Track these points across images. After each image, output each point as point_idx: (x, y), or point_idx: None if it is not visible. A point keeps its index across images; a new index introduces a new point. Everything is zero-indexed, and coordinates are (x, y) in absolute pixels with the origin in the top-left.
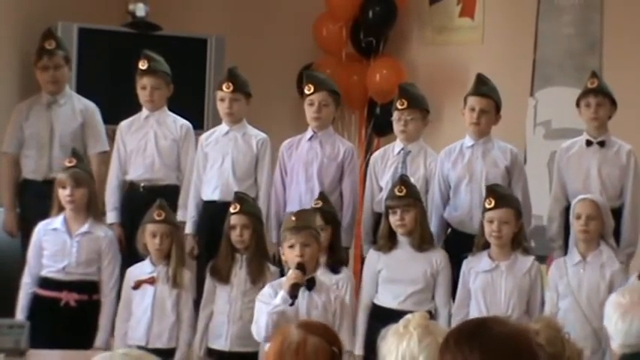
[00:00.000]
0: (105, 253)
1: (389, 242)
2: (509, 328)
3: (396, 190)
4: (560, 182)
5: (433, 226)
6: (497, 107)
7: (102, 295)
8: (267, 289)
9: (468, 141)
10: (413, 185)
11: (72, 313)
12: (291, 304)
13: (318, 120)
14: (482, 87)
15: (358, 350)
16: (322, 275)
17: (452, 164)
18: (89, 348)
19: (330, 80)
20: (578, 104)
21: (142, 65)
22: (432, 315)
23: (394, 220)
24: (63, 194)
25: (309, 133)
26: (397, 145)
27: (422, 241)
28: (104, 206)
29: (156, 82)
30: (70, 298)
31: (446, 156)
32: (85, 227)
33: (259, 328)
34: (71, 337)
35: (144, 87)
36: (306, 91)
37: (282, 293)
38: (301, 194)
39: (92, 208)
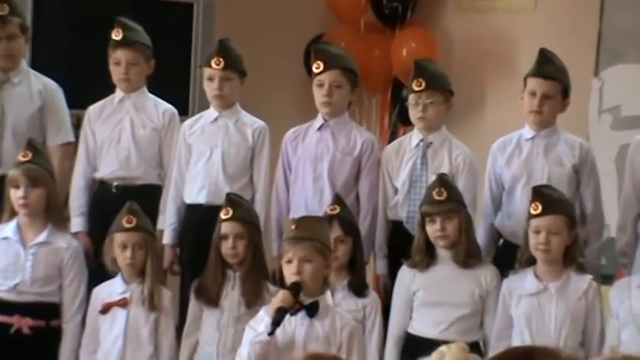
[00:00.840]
0: (67, 269)
1: (426, 257)
2: None
3: (434, 194)
4: (633, 182)
5: (481, 236)
6: (565, 91)
7: (63, 321)
8: (260, 313)
9: (528, 132)
10: (455, 187)
11: (25, 342)
12: (270, 334)
13: (328, 105)
14: (547, 66)
15: None
16: (345, 300)
17: (506, 160)
18: None
19: (345, 55)
20: None
21: (116, 35)
22: (481, 347)
23: (433, 230)
24: (15, 195)
25: (318, 121)
26: (415, 135)
27: (467, 255)
28: (68, 210)
29: (133, 57)
30: (22, 323)
31: (499, 150)
32: (42, 236)
33: None
34: None
35: (118, 62)
36: (315, 70)
37: (267, 319)
38: (308, 196)
39: (52, 213)
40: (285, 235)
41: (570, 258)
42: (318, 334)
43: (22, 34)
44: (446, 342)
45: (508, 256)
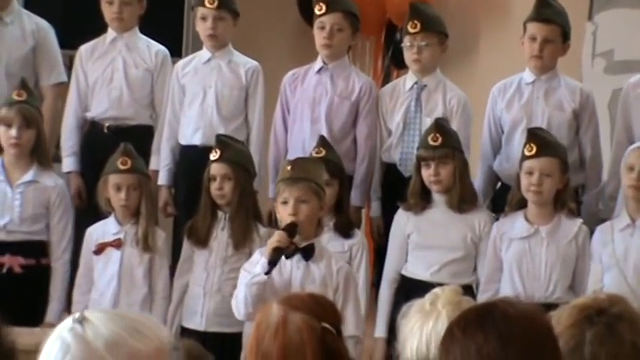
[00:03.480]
0: (55, 207)
1: (422, 201)
2: (524, 307)
3: (429, 139)
4: (624, 126)
5: (479, 179)
6: (565, 34)
7: (52, 259)
8: (256, 256)
9: (528, 76)
10: (452, 131)
11: (16, 281)
12: (267, 273)
13: (329, 48)
14: (545, 10)
15: (381, 332)
16: (331, 242)
17: (506, 104)
18: (39, 324)
19: None
20: None
21: None
22: (474, 290)
23: (427, 174)
24: (7, 135)
25: (317, 64)
26: (409, 78)
27: (461, 200)
28: (59, 150)
29: None
30: (13, 262)
31: (499, 93)
32: (29, 175)
33: (238, 303)
34: (16, 310)
35: (110, 1)
36: (317, 12)
37: (263, 260)
38: (305, 139)
39: (38, 153)
40: (280, 176)
41: (561, 202)
42: (314, 277)
43: None
44: (437, 284)
45: (506, 200)
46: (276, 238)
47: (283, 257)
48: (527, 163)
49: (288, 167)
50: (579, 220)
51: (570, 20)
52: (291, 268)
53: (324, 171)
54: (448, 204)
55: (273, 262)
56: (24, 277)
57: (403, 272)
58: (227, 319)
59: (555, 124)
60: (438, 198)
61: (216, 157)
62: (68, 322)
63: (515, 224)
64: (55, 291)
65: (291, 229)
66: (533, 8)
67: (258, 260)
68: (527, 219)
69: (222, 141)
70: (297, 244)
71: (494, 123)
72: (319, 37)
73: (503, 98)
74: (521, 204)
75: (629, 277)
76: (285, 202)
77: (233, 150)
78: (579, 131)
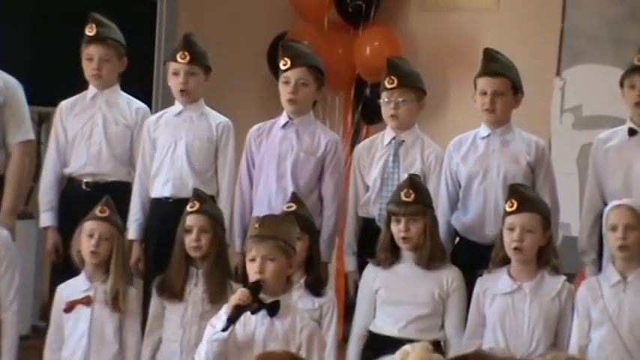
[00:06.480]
0: (0, 258)
1: (391, 256)
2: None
3: (402, 194)
4: (595, 181)
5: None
6: (515, 86)
7: (1, 311)
8: (222, 311)
9: (483, 130)
10: (424, 188)
11: None
12: (224, 330)
13: (294, 103)
14: (493, 64)
15: None
16: (302, 299)
17: (462, 158)
18: None
19: (313, 54)
20: (622, 84)
21: (89, 31)
22: (442, 346)
23: (397, 230)
24: None
25: (283, 118)
26: (387, 133)
27: (431, 259)
28: (28, 207)
29: (105, 53)
30: None
31: (455, 148)
32: None
33: (199, 359)
34: None
35: (90, 58)
36: (282, 66)
37: (224, 317)
38: (271, 194)
39: None
40: (249, 233)
41: (545, 259)
42: (277, 334)
43: None
44: (405, 340)
45: (465, 253)
46: (238, 295)
47: (249, 313)
48: (508, 219)
49: (256, 225)
50: (563, 278)
51: (539, 76)
52: (255, 324)
53: (296, 228)
54: (416, 261)
55: (232, 320)
56: None
57: (371, 328)
58: None
59: (510, 177)
60: (407, 253)
61: (195, 208)
62: None
63: (498, 280)
64: (6, 343)
65: (254, 288)
66: (482, 63)
67: (223, 315)
68: (510, 275)
69: (200, 194)
70: (263, 300)
71: (450, 178)
72: (284, 92)
73: (458, 152)
74: (505, 260)
75: (624, 333)
76: (252, 260)
77: (210, 205)
78: (536, 184)
